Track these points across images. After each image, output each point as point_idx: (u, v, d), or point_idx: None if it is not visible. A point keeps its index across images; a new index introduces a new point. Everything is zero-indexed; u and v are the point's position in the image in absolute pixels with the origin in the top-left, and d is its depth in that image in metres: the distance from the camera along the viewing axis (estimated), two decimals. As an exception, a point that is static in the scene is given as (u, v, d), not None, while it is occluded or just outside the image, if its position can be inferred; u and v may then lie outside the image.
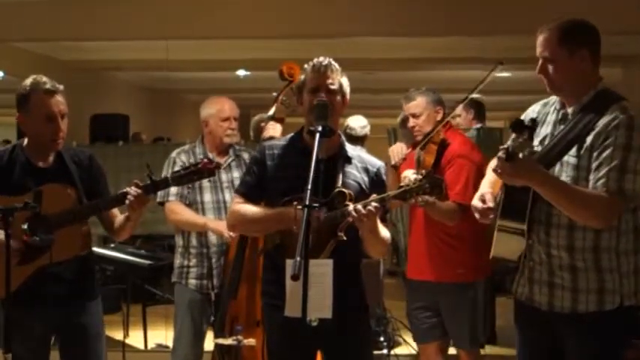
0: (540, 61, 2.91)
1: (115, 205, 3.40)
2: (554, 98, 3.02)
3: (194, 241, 4.41)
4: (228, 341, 3.88)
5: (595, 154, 2.78)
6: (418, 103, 4.26)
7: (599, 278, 2.83)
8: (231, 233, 4.10)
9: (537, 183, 2.78)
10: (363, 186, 3.14)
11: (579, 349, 2.86)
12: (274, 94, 4.48)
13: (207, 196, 4.39)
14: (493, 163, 3.12)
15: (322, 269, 2.92)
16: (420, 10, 6.70)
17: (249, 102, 9.96)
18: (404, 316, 4.92)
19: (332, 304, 2.94)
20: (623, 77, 8.90)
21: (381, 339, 5.91)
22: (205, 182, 4.34)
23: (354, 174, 3.16)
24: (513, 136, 2.77)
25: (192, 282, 4.40)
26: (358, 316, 3.21)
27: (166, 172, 4.38)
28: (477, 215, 3.00)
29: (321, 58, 3.15)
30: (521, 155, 2.72)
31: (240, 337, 3.84)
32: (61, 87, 3.43)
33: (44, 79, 3.40)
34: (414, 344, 4.73)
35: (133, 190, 3.27)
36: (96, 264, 3.70)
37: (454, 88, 8.87)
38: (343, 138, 3.26)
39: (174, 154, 4.48)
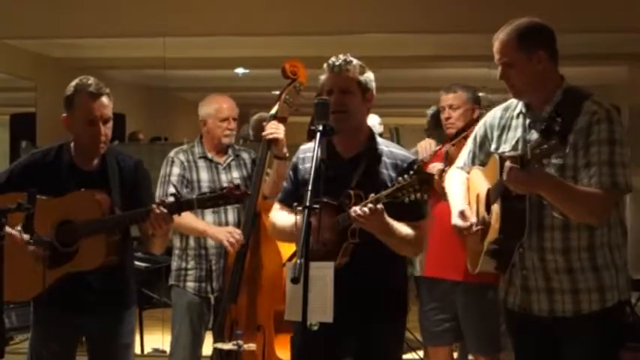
0: (500, 68, 2.90)
1: (139, 220, 3.32)
2: (514, 102, 3.00)
3: (192, 243, 4.32)
4: (229, 346, 3.80)
5: (581, 152, 2.77)
6: (459, 96, 4.27)
7: (596, 276, 2.82)
8: (231, 239, 4.03)
9: (547, 189, 2.75)
10: (389, 183, 3.02)
11: (583, 348, 2.83)
12: (274, 92, 4.39)
13: (206, 197, 4.30)
14: (453, 174, 3.15)
15: (323, 272, 2.87)
16: (425, 7, 6.63)
17: (248, 100, 9.90)
18: (409, 320, 4.80)
19: (332, 307, 2.87)
20: (629, 75, 8.83)
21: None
22: (204, 183, 4.29)
23: (381, 171, 3.08)
24: (535, 142, 2.70)
25: (191, 285, 4.32)
26: (381, 318, 3.10)
27: (164, 171, 4.34)
28: (458, 233, 2.98)
29: (340, 56, 3.10)
30: (545, 161, 2.69)
31: (240, 342, 3.76)
32: (107, 90, 3.39)
33: (90, 80, 3.36)
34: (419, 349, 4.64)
35: (157, 209, 3.21)
36: (132, 273, 3.61)
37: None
38: (375, 135, 3.20)
39: (172, 153, 4.40)
